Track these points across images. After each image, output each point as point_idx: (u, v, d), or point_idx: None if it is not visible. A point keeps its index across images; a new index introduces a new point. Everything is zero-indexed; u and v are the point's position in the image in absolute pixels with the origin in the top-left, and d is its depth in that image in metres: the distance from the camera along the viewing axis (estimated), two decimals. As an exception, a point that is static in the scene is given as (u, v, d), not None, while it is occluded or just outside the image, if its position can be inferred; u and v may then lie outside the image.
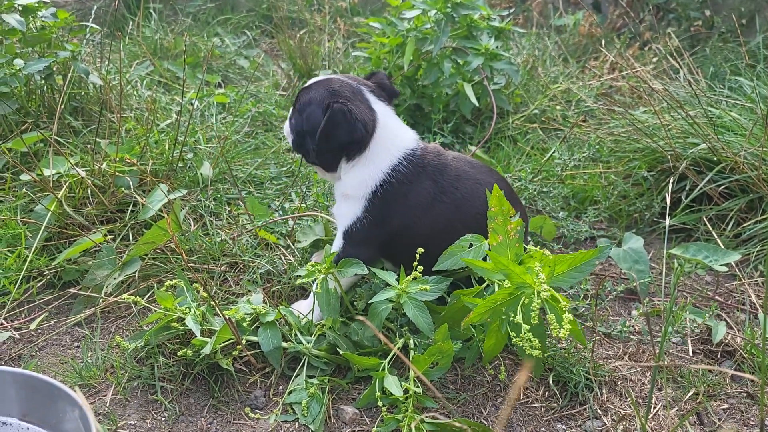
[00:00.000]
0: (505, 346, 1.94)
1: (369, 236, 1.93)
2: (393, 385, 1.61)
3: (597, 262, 1.61)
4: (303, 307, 1.97)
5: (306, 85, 2.00)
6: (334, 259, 1.87)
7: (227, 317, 1.75)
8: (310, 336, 1.86)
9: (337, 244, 1.97)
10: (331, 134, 1.84)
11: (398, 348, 1.80)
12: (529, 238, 2.47)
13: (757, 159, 2.46)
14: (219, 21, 5.02)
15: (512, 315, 1.52)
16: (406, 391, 1.64)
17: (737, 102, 2.90)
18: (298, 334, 1.86)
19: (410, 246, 1.81)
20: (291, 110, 2.02)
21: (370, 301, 1.80)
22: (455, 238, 1.81)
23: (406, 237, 1.93)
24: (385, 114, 1.95)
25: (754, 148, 2.50)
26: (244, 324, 1.82)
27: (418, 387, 1.65)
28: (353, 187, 1.93)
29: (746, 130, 2.62)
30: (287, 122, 2.04)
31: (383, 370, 1.68)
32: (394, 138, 1.95)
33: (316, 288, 1.81)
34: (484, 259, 1.76)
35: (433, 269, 1.79)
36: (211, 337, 1.77)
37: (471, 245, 1.78)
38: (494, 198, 1.63)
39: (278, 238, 2.34)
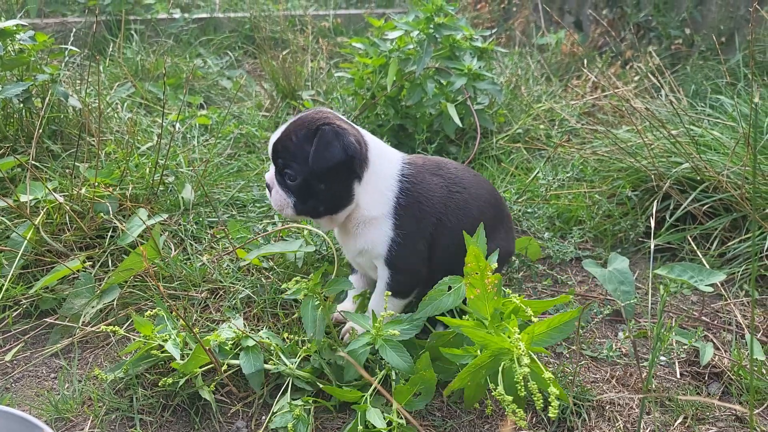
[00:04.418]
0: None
1: (413, 253, 1.87)
2: (375, 417, 1.58)
3: (576, 323, 1.59)
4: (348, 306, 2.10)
5: (279, 136, 1.82)
6: (387, 290, 1.86)
7: (207, 348, 1.70)
8: (294, 358, 1.82)
9: (384, 275, 1.90)
10: (327, 153, 1.73)
11: (381, 378, 1.77)
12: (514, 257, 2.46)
13: (740, 178, 2.46)
14: (201, 42, 5.01)
15: (493, 381, 1.52)
16: (389, 423, 1.60)
17: (719, 120, 2.92)
18: (282, 356, 1.81)
19: (443, 245, 1.82)
20: (274, 173, 1.86)
21: (346, 349, 1.73)
22: (474, 224, 1.78)
23: (441, 235, 1.87)
24: (363, 130, 1.93)
25: (736, 167, 2.50)
26: (226, 348, 1.78)
27: (401, 418, 1.62)
28: (373, 205, 1.84)
29: (728, 148, 2.63)
30: (277, 190, 1.85)
31: (365, 402, 1.64)
32: (385, 148, 1.94)
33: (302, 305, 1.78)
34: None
35: (414, 317, 1.75)
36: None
37: (450, 288, 1.76)
38: (470, 255, 1.60)
39: (261, 261, 2.31)
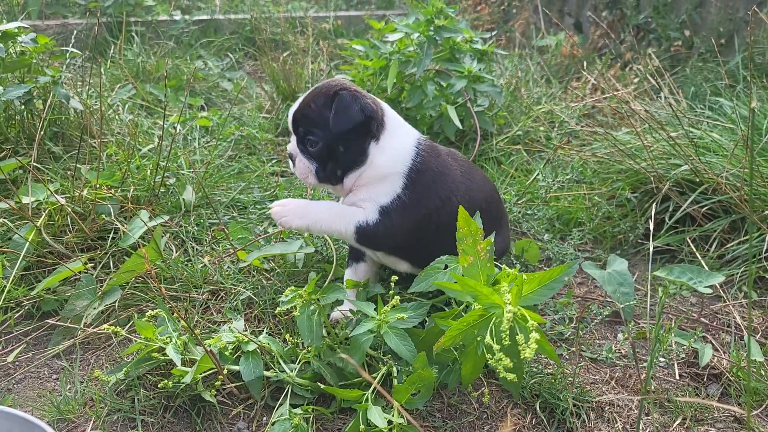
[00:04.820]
0: (491, 373, 1.93)
1: (405, 217, 1.87)
2: (376, 416, 1.58)
3: (566, 278, 1.59)
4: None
5: (298, 106, 1.89)
6: (361, 229, 1.84)
7: (208, 348, 1.71)
8: (294, 364, 1.83)
9: (372, 215, 1.86)
10: (345, 116, 1.79)
11: (382, 376, 1.78)
12: (513, 259, 2.47)
13: (739, 180, 2.47)
14: (202, 43, 5.02)
15: (484, 337, 1.49)
16: (390, 422, 1.61)
17: (718, 122, 2.93)
18: (281, 362, 1.82)
19: (444, 224, 1.84)
20: (296, 143, 1.91)
21: (350, 334, 1.77)
22: (474, 211, 1.79)
23: (445, 214, 1.89)
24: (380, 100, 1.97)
25: (735, 169, 2.51)
26: (226, 353, 1.79)
27: (402, 417, 1.63)
28: (390, 162, 1.87)
29: (727, 150, 2.64)
30: (300, 158, 1.91)
31: (367, 401, 1.65)
32: (403, 122, 1.98)
33: (297, 312, 1.78)
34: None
35: (408, 291, 1.79)
36: (192, 367, 1.73)
37: (446, 267, 1.76)
38: (461, 219, 1.62)
39: (262, 262, 2.31)
